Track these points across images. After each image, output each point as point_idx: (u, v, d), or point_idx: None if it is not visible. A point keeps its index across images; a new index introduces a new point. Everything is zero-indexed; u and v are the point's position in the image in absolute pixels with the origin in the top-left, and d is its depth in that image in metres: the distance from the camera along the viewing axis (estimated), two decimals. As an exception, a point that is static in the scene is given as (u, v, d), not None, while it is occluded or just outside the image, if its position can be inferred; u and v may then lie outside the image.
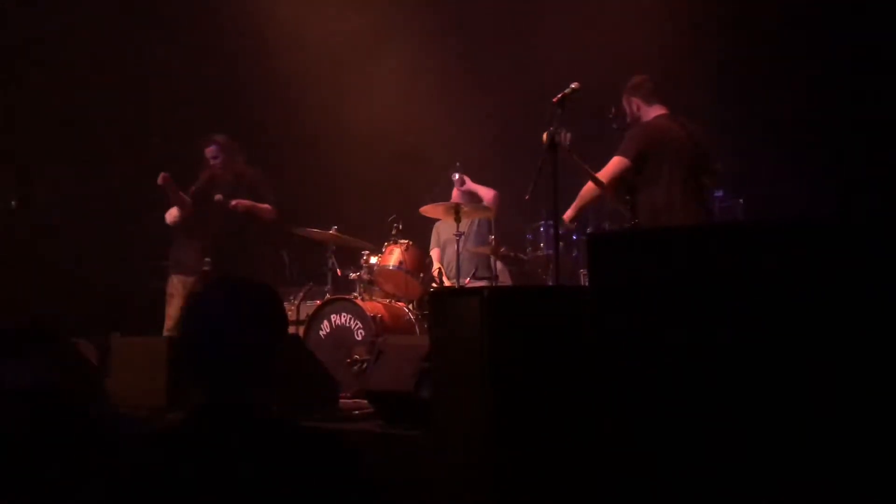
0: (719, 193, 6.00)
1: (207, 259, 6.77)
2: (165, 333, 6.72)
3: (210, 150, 6.91)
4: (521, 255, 6.77)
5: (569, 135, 4.77)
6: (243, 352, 1.83)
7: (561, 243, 5.26)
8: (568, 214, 5.28)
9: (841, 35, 6.22)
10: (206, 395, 1.83)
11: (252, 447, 1.74)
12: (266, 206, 6.80)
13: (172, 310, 6.91)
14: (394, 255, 6.39)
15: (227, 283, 1.96)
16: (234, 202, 6.69)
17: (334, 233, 6.67)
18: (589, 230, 6.39)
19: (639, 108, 5.24)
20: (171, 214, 6.95)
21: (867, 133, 6.11)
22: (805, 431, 2.42)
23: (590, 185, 5.10)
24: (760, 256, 2.56)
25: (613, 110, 5.20)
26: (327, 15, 7.88)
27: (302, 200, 8.21)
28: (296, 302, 6.91)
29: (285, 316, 1.99)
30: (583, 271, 6.37)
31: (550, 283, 6.29)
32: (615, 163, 5.08)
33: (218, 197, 6.71)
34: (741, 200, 6.27)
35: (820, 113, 6.31)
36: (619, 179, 5.09)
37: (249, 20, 7.87)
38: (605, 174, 5.07)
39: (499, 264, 6.63)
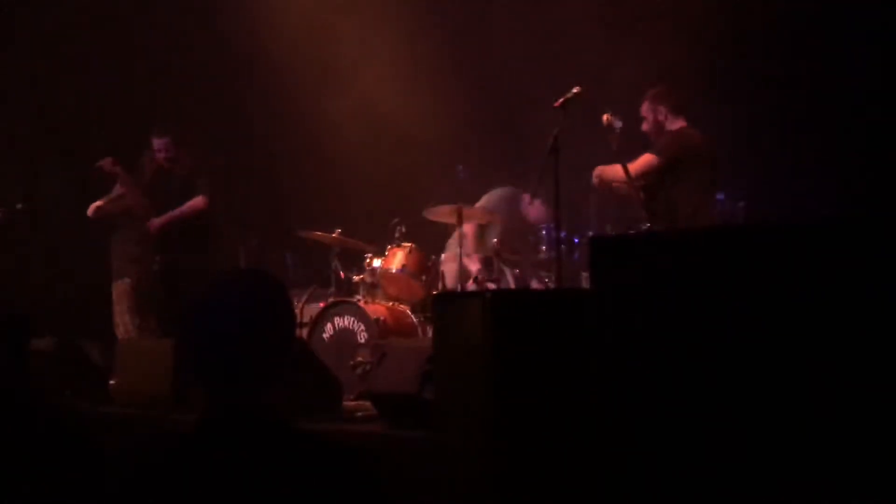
0: (721, 197, 6.03)
1: (157, 258, 6.68)
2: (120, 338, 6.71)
3: (158, 144, 6.62)
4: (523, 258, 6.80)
5: (620, 123, 5.06)
6: (256, 350, 1.70)
7: (562, 246, 5.30)
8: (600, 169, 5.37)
9: (841, 35, 6.24)
10: (216, 398, 1.71)
11: (268, 452, 1.66)
12: (190, 204, 6.57)
13: (118, 317, 6.90)
14: (397, 258, 6.41)
15: (235, 277, 1.84)
16: (156, 224, 6.51)
17: (337, 235, 6.69)
18: (591, 233, 6.41)
19: (665, 118, 5.33)
20: (93, 207, 6.76)
21: (868, 135, 6.13)
22: (807, 432, 2.44)
23: (616, 167, 5.17)
24: (762, 259, 2.58)
25: (606, 117, 5.21)
26: (329, 15, 7.91)
27: (305, 203, 8.24)
28: (299, 304, 6.94)
29: (294, 311, 1.89)
30: (584, 274, 6.39)
31: (552, 286, 6.31)
32: (648, 160, 5.20)
33: (152, 223, 6.53)
34: (742, 204, 6.30)
35: (821, 115, 6.33)
36: (642, 179, 5.20)
37: (250, 25, 7.89)
38: (633, 168, 5.14)
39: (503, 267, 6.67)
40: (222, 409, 1.71)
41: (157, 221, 6.56)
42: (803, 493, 2.42)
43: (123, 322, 6.87)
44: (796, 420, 2.45)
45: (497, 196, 6.83)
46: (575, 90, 4.82)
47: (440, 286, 6.47)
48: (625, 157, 5.14)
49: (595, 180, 5.44)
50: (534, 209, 6.62)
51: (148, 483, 1.65)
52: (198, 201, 6.61)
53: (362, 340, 5.96)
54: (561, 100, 4.82)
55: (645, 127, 5.38)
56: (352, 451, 1.72)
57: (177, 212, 6.59)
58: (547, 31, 7.30)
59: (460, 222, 6.30)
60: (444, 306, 3.79)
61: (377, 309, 6.12)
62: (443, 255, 6.75)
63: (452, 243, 6.84)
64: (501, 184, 7.00)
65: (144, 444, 1.76)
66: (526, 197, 6.59)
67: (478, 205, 6.71)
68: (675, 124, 5.33)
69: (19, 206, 6.81)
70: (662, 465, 2.64)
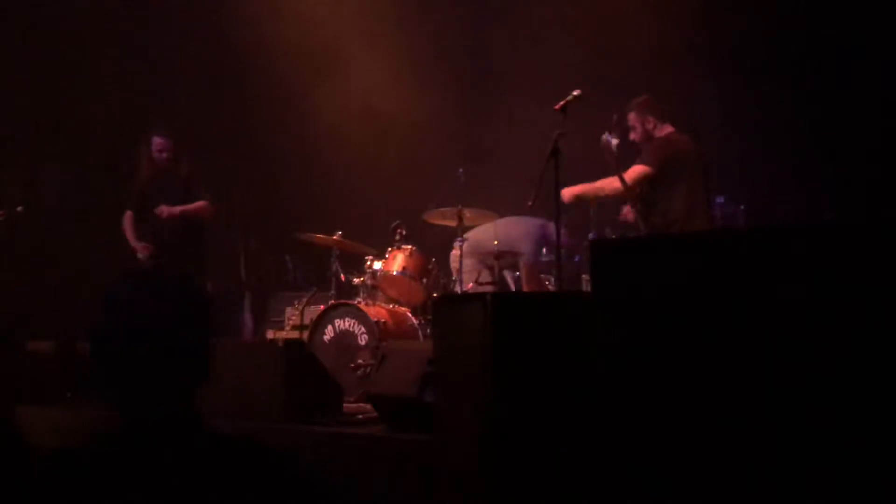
0: (720, 200, 6.06)
1: (152, 262, 6.61)
2: None
3: (160, 143, 6.56)
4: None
5: (616, 140, 5.12)
6: (170, 353, 1.60)
7: (563, 249, 5.31)
8: (572, 191, 5.30)
9: (841, 38, 6.26)
10: (125, 407, 1.59)
11: (185, 460, 1.55)
12: (200, 203, 6.56)
13: None
14: (397, 261, 6.42)
15: (143, 275, 1.70)
16: (166, 211, 6.46)
17: (338, 238, 6.70)
18: (591, 236, 6.43)
19: (654, 126, 5.39)
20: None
21: (868, 137, 6.14)
22: (806, 432, 2.44)
23: (612, 180, 5.20)
24: (761, 262, 2.59)
25: (615, 117, 5.29)
26: (331, 17, 7.92)
27: (306, 206, 8.25)
28: (300, 307, 6.95)
29: (209, 311, 1.72)
30: (585, 277, 6.41)
31: (552, 289, 6.32)
32: (639, 170, 5.25)
33: (161, 209, 6.49)
34: (742, 207, 6.32)
35: (821, 118, 6.34)
36: (636, 188, 5.24)
37: (250, 26, 7.90)
38: (627, 178, 5.19)
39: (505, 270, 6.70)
40: (134, 414, 1.60)
41: (166, 209, 6.48)
42: (802, 492, 2.43)
43: None
44: (796, 420, 2.46)
45: (524, 224, 6.80)
46: (575, 93, 4.84)
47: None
48: (621, 169, 5.19)
49: (571, 192, 5.40)
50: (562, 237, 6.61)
51: (60, 492, 1.55)
52: (205, 205, 6.60)
53: (363, 343, 5.97)
54: (561, 102, 4.83)
55: (633, 136, 5.46)
56: (268, 452, 1.63)
57: (188, 207, 6.54)
58: (548, 32, 7.32)
59: (460, 224, 6.31)
60: (444, 309, 3.79)
61: (378, 311, 6.13)
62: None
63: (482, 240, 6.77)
64: (502, 183, 7.02)
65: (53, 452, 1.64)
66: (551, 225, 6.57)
67: (500, 223, 6.67)
68: (664, 131, 5.40)
69: (20, 208, 6.81)
70: (663, 466, 2.65)
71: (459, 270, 6.38)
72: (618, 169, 5.17)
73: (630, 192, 5.22)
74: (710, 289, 2.66)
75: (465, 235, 6.57)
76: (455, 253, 6.58)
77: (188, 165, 6.67)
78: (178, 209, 6.50)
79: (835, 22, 6.25)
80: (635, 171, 5.26)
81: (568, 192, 5.30)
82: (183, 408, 1.61)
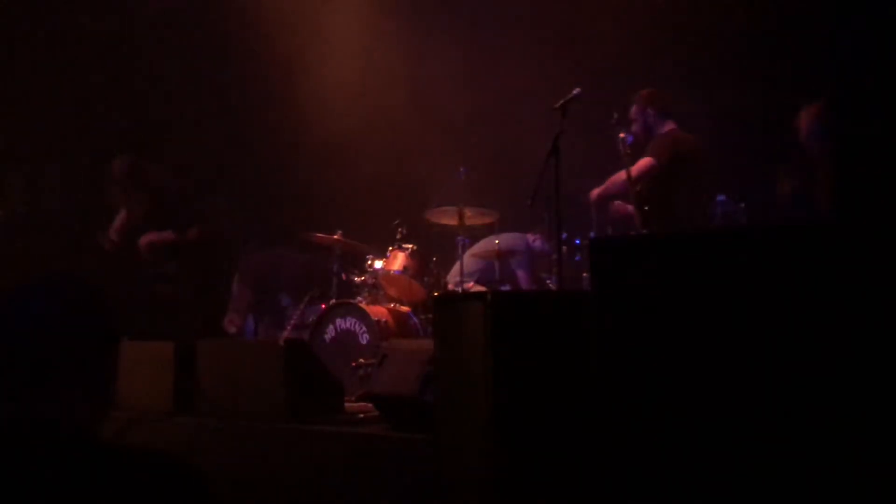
0: (722, 198, 6.04)
1: (154, 264, 6.72)
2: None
3: (121, 175, 6.57)
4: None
5: (631, 137, 5.20)
6: (42, 357, 1.54)
7: (563, 247, 5.32)
8: (596, 192, 5.54)
9: (844, 38, 6.24)
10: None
11: (58, 470, 1.48)
12: (165, 235, 6.52)
13: None
14: (398, 260, 6.43)
15: (30, 284, 1.67)
16: (143, 243, 6.54)
17: (339, 237, 6.71)
18: (592, 235, 6.43)
19: (654, 121, 5.38)
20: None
21: (871, 138, 6.12)
22: (805, 432, 2.44)
23: (619, 174, 5.23)
24: (762, 261, 2.59)
25: (616, 116, 5.28)
26: (333, 17, 7.92)
27: (307, 205, 8.25)
28: (301, 306, 6.95)
29: (102, 315, 1.66)
30: (585, 275, 6.41)
31: (553, 288, 6.32)
32: (647, 163, 5.25)
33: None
34: (743, 205, 6.31)
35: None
36: (641, 183, 5.24)
37: (253, 26, 7.91)
38: (634, 171, 5.20)
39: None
40: (7, 423, 1.53)
41: (145, 238, 6.56)
42: (802, 492, 2.43)
43: None
44: (795, 420, 2.46)
45: (507, 238, 6.92)
46: (575, 91, 4.84)
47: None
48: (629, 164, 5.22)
49: (596, 194, 5.54)
50: (538, 243, 6.89)
51: None
52: (189, 234, 6.57)
53: (364, 342, 5.97)
54: (561, 101, 4.83)
55: (634, 128, 5.45)
56: (160, 463, 1.58)
57: (153, 241, 6.57)
58: (549, 33, 7.32)
59: (462, 224, 6.31)
60: (444, 308, 3.79)
61: (379, 310, 6.13)
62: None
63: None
64: (503, 182, 7.03)
65: None
66: (530, 236, 6.88)
67: (486, 243, 6.82)
68: (665, 127, 5.41)
69: (21, 209, 6.82)
70: (663, 465, 2.65)
71: (461, 271, 6.39)
72: (628, 163, 5.17)
73: (633, 188, 5.21)
74: (710, 287, 2.65)
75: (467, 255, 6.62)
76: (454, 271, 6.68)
77: (157, 184, 6.62)
78: (149, 239, 6.55)
79: (838, 21, 6.24)
80: (642, 164, 5.27)
81: (594, 194, 5.41)
82: (49, 415, 1.53)
